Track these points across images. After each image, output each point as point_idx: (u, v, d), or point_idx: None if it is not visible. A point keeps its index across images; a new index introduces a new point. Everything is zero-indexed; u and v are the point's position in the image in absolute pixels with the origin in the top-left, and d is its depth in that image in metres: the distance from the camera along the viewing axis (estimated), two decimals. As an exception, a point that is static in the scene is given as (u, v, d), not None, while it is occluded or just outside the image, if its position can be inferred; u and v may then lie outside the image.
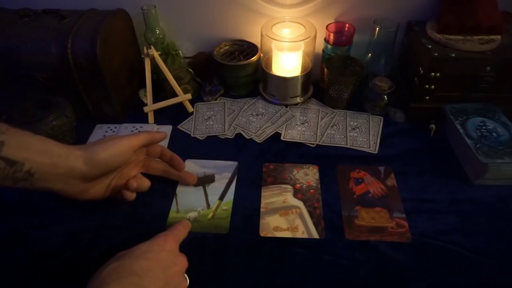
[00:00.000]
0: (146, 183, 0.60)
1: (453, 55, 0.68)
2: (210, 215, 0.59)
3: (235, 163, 0.68)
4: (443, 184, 0.64)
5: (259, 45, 0.82)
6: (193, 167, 0.67)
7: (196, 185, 0.64)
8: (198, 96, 0.83)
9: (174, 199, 0.62)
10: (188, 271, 0.48)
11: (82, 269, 0.52)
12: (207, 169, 0.67)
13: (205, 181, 0.65)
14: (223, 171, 0.66)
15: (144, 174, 0.61)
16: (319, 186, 0.64)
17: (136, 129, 0.74)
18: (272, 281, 0.51)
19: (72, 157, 0.49)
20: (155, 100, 0.78)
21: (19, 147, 0.44)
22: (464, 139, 0.64)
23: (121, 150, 0.53)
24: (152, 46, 0.79)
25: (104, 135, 0.73)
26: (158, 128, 0.75)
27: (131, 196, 0.59)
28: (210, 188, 0.64)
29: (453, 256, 0.53)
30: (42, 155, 0.46)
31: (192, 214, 0.59)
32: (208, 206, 0.61)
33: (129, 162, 0.57)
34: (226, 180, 0.65)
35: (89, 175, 0.51)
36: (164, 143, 0.72)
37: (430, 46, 0.70)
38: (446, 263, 0.53)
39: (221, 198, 0.62)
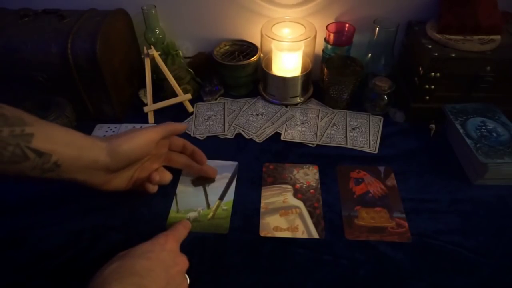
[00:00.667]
0: (168, 177, 0.61)
1: (453, 55, 0.68)
2: (210, 215, 0.59)
3: (235, 163, 0.68)
4: (443, 184, 0.64)
5: (259, 45, 0.82)
6: None
7: (196, 185, 0.64)
8: (198, 96, 0.83)
9: (174, 199, 0.62)
10: (188, 271, 0.48)
11: (82, 269, 0.52)
12: None
13: (205, 181, 0.65)
14: (223, 171, 0.66)
15: (165, 167, 0.62)
16: (319, 186, 0.64)
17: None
18: (272, 281, 0.51)
19: (96, 149, 0.50)
20: (155, 100, 0.78)
21: (47, 139, 0.45)
22: (464, 139, 0.64)
23: (143, 142, 0.54)
24: (152, 46, 0.79)
25: (104, 135, 0.73)
26: (158, 128, 0.75)
27: (153, 188, 0.60)
28: (210, 188, 0.64)
29: (453, 256, 0.53)
30: (68, 147, 0.47)
31: (192, 214, 0.59)
32: (208, 206, 0.61)
33: (151, 155, 0.58)
34: (226, 180, 0.65)
35: (112, 166, 0.52)
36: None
37: (430, 46, 0.70)
38: (446, 263, 0.53)
39: (221, 198, 0.62)
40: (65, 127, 0.50)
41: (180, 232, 0.52)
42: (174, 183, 0.64)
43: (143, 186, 0.58)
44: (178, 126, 0.61)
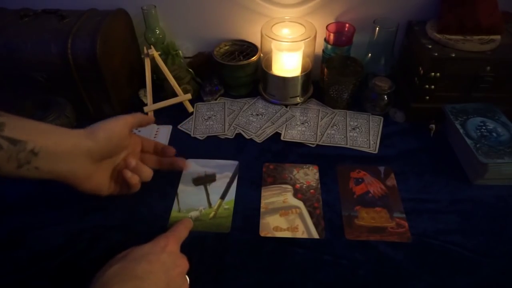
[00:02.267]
0: (147, 171, 0.58)
1: (453, 55, 0.68)
2: (211, 214, 0.59)
3: (236, 162, 0.68)
4: (443, 184, 0.64)
5: (259, 45, 0.82)
6: (194, 166, 0.67)
7: (197, 184, 0.64)
8: (198, 96, 0.83)
9: (176, 199, 0.62)
10: (188, 271, 0.48)
11: (82, 269, 0.52)
12: (208, 168, 0.67)
13: (206, 180, 0.65)
14: (224, 170, 0.66)
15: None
16: (319, 186, 0.64)
17: (136, 128, 0.74)
18: (272, 281, 0.51)
19: (75, 133, 0.50)
20: (155, 100, 0.78)
21: (20, 127, 0.44)
22: (464, 139, 0.64)
23: (119, 125, 0.54)
24: (152, 46, 0.79)
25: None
26: (158, 128, 0.75)
27: (134, 179, 0.56)
28: (211, 187, 0.64)
29: (453, 256, 0.53)
30: (44, 134, 0.46)
31: (194, 213, 0.59)
32: (210, 205, 0.61)
33: (128, 148, 0.58)
34: (227, 180, 0.65)
35: (95, 150, 0.51)
36: (164, 143, 0.72)
37: (430, 46, 0.70)
38: (446, 263, 0.53)
39: (223, 197, 0.62)
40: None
41: (181, 233, 0.52)
42: (174, 183, 0.64)
43: (125, 186, 0.57)
44: (146, 117, 0.61)
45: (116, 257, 0.44)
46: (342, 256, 0.53)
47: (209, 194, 0.63)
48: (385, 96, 0.75)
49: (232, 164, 0.68)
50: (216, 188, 0.64)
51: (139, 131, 0.74)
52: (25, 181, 0.64)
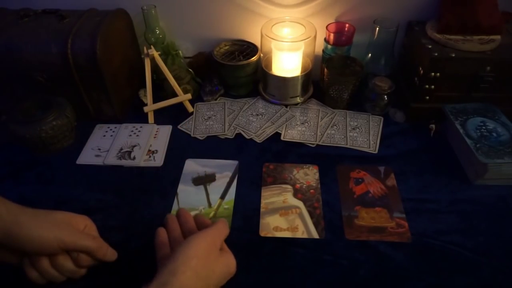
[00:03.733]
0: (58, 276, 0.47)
1: (453, 55, 0.68)
2: (211, 214, 0.59)
3: (235, 162, 0.68)
4: (443, 184, 0.64)
5: (259, 45, 0.82)
6: (194, 166, 0.67)
7: (196, 184, 0.64)
8: (198, 96, 0.83)
9: (176, 198, 0.62)
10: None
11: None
12: (207, 168, 0.67)
13: (205, 180, 0.65)
14: (223, 170, 0.66)
15: None
16: (319, 186, 0.64)
17: (136, 129, 0.74)
18: (272, 281, 0.51)
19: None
20: (155, 100, 0.78)
21: None
22: (464, 139, 0.64)
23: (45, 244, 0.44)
24: (152, 46, 0.79)
25: (104, 135, 0.73)
26: (158, 128, 0.75)
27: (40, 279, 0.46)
28: (211, 187, 0.64)
29: (453, 256, 0.53)
30: None
31: (194, 213, 0.59)
32: (210, 205, 0.61)
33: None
34: (227, 179, 0.65)
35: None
36: (164, 143, 0.72)
37: (430, 46, 0.70)
38: (446, 263, 0.53)
39: (222, 197, 0.62)
40: None
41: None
42: (174, 182, 0.64)
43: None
44: (102, 258, 0.48)
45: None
46: (342, 256, 0.53)
47: (209, 194, 0.63)
48: (385, 96, 0.75)
49: (232, 164, 0.68)
50: (216, 188, 0.64)
51: (141, 127, 0.74)
52: (25, 181, 0.65)
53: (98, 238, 0.49)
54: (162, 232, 0.49)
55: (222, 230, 0.49)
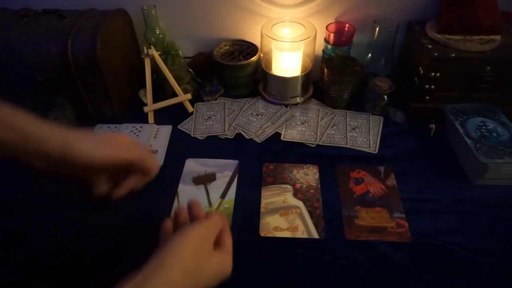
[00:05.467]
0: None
1: (453, 55, 0.68)
2: (212, 214, 0.59)
3: (236, 162, 0.68)
4: (443, 184, 0.64)
5: (259, 45, 0.82)
6: (194, 165, 0.67)
7: (197, 183, 0.64)
8: (198, 96, 0.83)
9: (176, 198, 0.62)
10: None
11: (82, 269, 0.52)
12: (208, 167, 0.67)
13: (206, 179, 0.65)
14: (224, 169, 0.66)
15: None
16: (319, 186, 0.64)
17: (136, 129, 0.74)
18: (272, 281, 0.51)
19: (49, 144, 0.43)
20: (155, 100, 0.78)
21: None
22: (464, 139, 0.64)
23: (105, 162, 0.47)
24: (152, 46, 0.79)
25: (104, 135, 0.73)
26: (158, 128, 0.75)
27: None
28: (211, 186, 0.64)
29: (453, 256, 0.53)
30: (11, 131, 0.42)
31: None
32: (210, 204, 0.61)
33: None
34: (227, 179, 0.65)
35: (59, 168, 0.45)
36: (164, 143, 0.72)
37: (430, 46, 0.70)
38: (446, 263, 0.53)
39: (223, 196, 0.62)
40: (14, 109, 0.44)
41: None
42: (174, 182, 0.64)
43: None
44: (150, 167, 0.50)
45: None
46: (342, 256, 0.53)
47: (209, 193, 0.63)
48: (385, 96, 0.75)
49: (232, 163, 0.68)
50: (216, 188, 0.64)
51: (141, 127, 0.74)
52: (25, 181, 0.65)
53: (144, 151, 0.51)
54: (167, 223, 0.47)
55: (217, 223, 0.45)
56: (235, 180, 0.65)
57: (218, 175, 0.66)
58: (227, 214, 0.59)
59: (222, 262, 0.43)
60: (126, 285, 0.36)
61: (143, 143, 0.70)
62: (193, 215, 0.47)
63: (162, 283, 0.37)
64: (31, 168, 0.44)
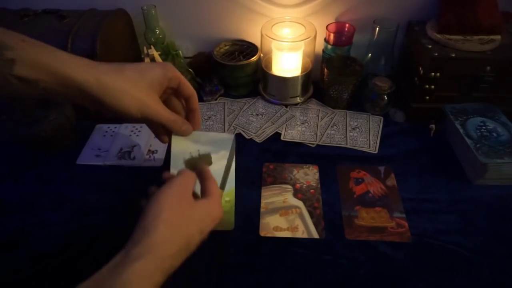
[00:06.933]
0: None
1: (453, 55, 0.68)
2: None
3: (231, 136, 0.57)
4: (443, 184, 0.64)
5: (259, 45, 0.82)
6: (185, 143, 0.54)
7: (190, 166, 0.53)
8: (198, 96, 0.82)
9: None
10: (187, 271, 0.48)
11: (82, 269, 0.52)
12: (200, 145, 0.55)
13: (200, 161, 0.54)
14: (219, 148, 0.56)
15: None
16: (319, 186, 0.64)
17: (136, 129, 0.74)
18: (272, 281, 0.51)
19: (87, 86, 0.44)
20: (155, 100, 0.77)
21: (31, 66, 0.42)
22: (464, 139, 0.64)
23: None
24: (152, 46, 0.79)
25: (104, 135, 0.73)
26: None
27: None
28: None
29: (453, 256, 0.53)
30: (53, 76, 0.43)
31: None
32: None
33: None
34: (224, 162, 0.55)
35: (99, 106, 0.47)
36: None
37: (430, 46, 0.70)
38: (446, 263, 0.53)
39: (222, 187, 0.54)
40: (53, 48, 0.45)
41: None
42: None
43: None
44: (177, 128, 0.51)
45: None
46: (342, 256, 0.54)
47: None
48: (385, 96, 0.75)
49: (228, 138, 0.56)
50: (214, 175, 0.51)
51: (141, 127, 0.74)
52: (25, 181, 0.65)
53: (174, 114, 0.50)
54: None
55: (188, 177, 0.46)
56: (233, 164, 0.56)
57: (213, 156, 0.55)
58: (229, 208, 0.55)
59: (209, 207, 0.44)
60: (116, 256, 0.38)
61: (143, 143, 0.70)
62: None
63: (149, 244, 0.38)
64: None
